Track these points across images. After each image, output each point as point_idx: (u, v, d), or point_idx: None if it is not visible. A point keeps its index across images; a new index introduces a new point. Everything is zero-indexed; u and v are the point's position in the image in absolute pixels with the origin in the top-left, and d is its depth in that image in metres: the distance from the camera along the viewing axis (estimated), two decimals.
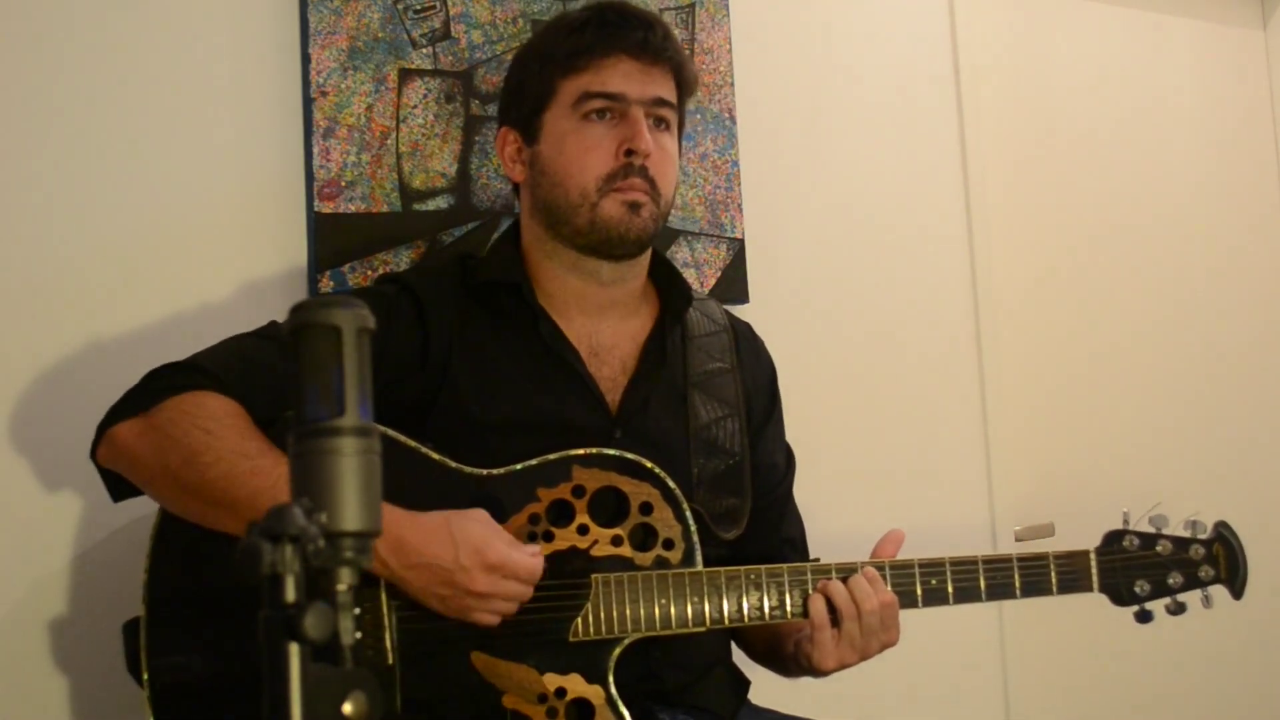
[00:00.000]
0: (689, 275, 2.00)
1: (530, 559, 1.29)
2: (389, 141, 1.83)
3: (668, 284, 1.59)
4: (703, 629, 1.39)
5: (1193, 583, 1.51)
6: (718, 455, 1.53)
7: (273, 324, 1.46)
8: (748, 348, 1.67)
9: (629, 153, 1.46)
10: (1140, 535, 1.51)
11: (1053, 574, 1.49)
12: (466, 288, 1.52)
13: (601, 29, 1.50)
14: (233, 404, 1.32)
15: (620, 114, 1.48)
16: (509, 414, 1.44)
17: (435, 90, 1.88)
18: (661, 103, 1.50)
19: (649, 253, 1.57)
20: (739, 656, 1.62)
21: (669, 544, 1.39)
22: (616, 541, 1.37)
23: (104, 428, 1.34)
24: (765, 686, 1.64)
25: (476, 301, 1.51)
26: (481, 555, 1.25)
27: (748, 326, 1.71)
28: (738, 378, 1.60)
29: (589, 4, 1.56)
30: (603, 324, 1.54)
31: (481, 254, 1.62)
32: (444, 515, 1.27)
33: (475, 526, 1.28)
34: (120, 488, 1.36)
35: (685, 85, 1.56)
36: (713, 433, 1.54)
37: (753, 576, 1.41)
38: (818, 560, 1.48)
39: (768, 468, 1.62)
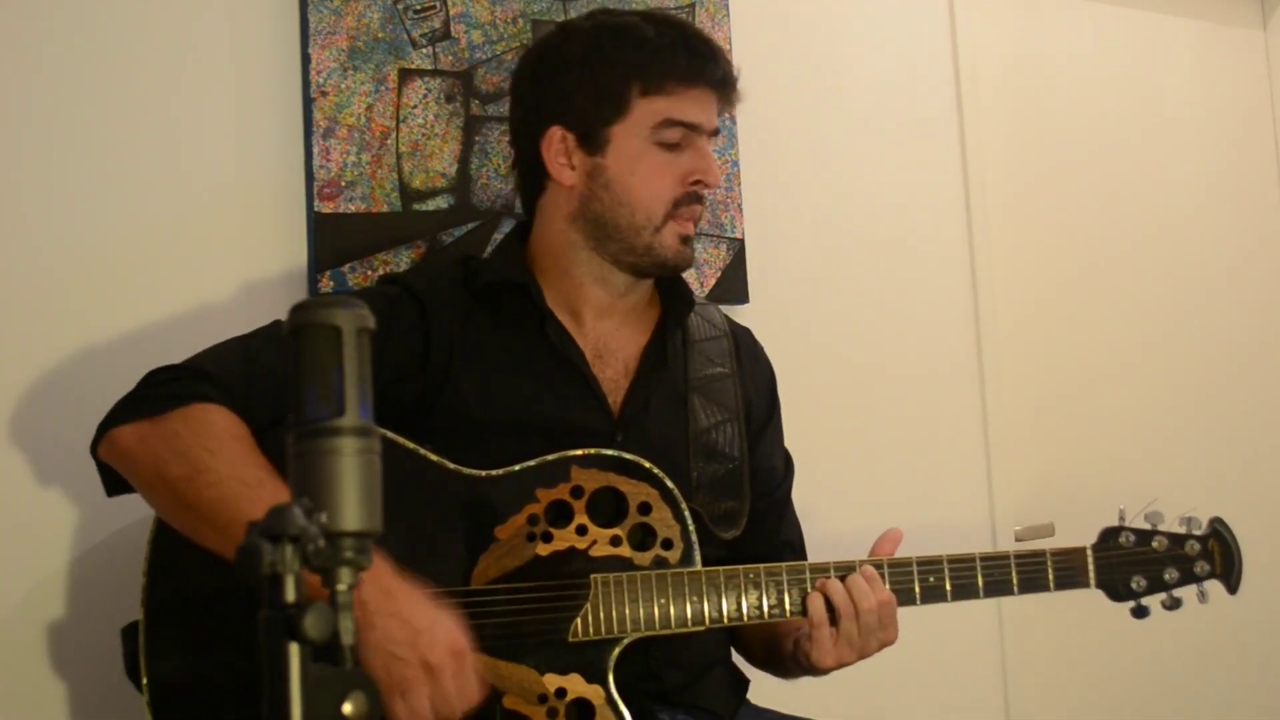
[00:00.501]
0: (689, 275, 2.00)
1: (478, 688, 1.24)
2: (389, 141, 1.83)
3: (670, 288, 1.60)
4: (702, 628, 1.39)
5: (1188, 578, 1.51)
6: (717, 459, 1.53)
7: (275, 323, 1.45)
8: (748, 353, 1.67)
9: (696, 182, 1.47)
10: (1136, 531, 1.51)
11: (1050, 570, 1.49)
12: (469, 289, 1.51)
13: (691, 55, 1.48)
14: (237, 423, 1.31)
15: (690, 144, 1.48)
16: (510, 415, 1.44)
17: (435, 90, 1.88)
18: (716, 133, 1.53)
19: None
20: (739, 656, 1.63)
21: (668, 544, 1.39)
22: (615, 542, 1.37)
23: (106, 427, 1.34)
24: (765, 686, 1.64)
25: (479, 302, 1.50)
26: (453, 639, 1.22)
27: (747, 332, 1.71)
28: (737, 382, 1.60)
29: (653, 18, 1.52)
30: (609, 327, 1.54)
31: (484, 255, 1.62)
32: (436, 600, 1.25)
33: (456, 621, 1.25)
34: (115, 483, 1.36)
35: (721, 116, 1.57)
36: (712, 437, 1.54)
37: (751, 576, 1.41)
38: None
39: (766, 471, 1.62)
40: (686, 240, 1.49)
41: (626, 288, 1.53)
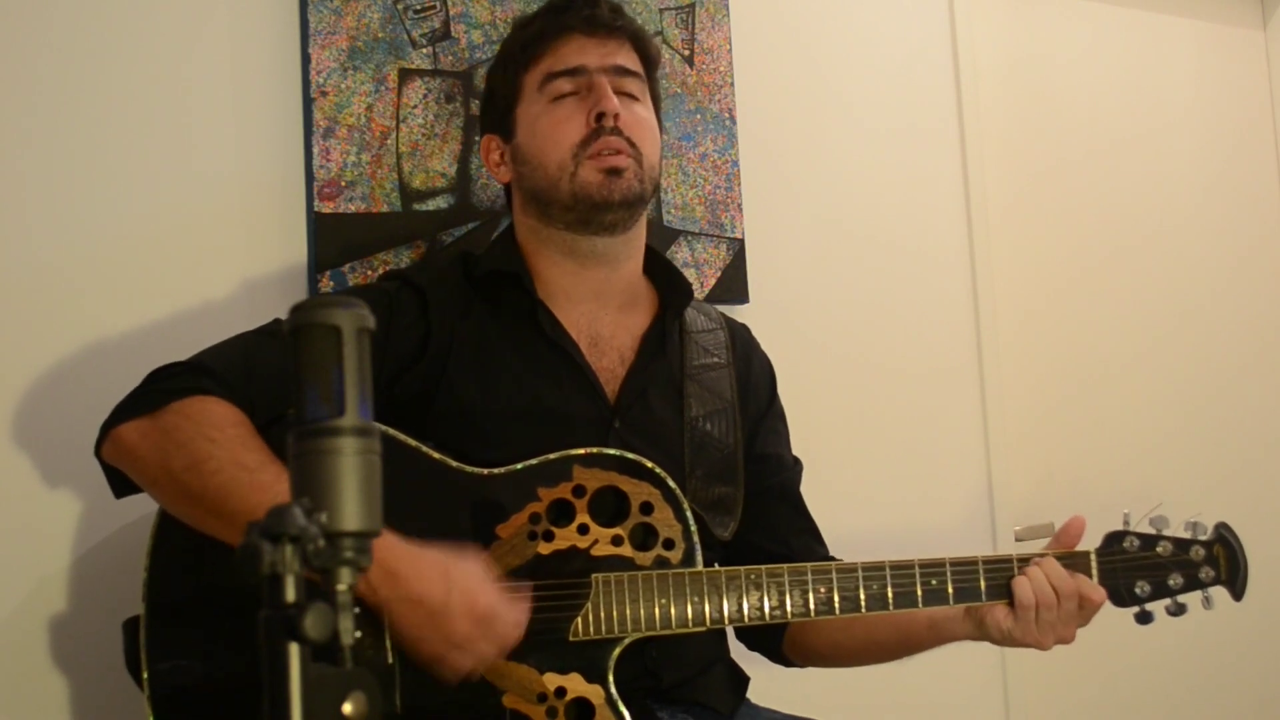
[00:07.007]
0: (689, 275, 2.00)
1: (517, 619, 1.26)
2: (389, 141, 1.83)
3: (666, 279, 1.61)
4: (703, 629, 1.39)
5: (1193, 584, 1.50)
6: (710, 446, 1.54)
7: (276, 321, 1.46)
8: (744, 345, 1.69)
9: (599, 117, 1.48)
10: (1141, 536, 1.50)
11: None
12: (469, 281, 1.53)
13: (549, 15, 1.55)
14: (236, 412, 1.32)
15: (586, 87, 1.51)
16: (508, 403, 1.45)
17: (435, 90, 1.88)
18: (624, 71, 1.54)
19: (643, 241, 1.59)
20: (737, 654, 1.62)
21: (669, 544, 1.39)
22: (617, 541, 1.37)
23: (109, 426, 1.34)
24: (765, 684, 1.64)
25: (478, 294, 1.52)
26: (472, 602, 1.23)
27: (744, 327, 1.73)
28: (732, 372, 1.61)
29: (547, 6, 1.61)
30: (602, 314, 1.55)
31: (481, 251, 1.63)
32: (443, 555, 1.25)
33: (473, 571, 1.26)
34: (122, 484, 1.37)
35: (648, 57, 1.59)
36: (705, 425, 1.55)
37: (753, 577, 1.41)
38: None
39: (775, 458, 1.64)
40: (614, 172, 1.48)
41: (604, 253, 1.53)
